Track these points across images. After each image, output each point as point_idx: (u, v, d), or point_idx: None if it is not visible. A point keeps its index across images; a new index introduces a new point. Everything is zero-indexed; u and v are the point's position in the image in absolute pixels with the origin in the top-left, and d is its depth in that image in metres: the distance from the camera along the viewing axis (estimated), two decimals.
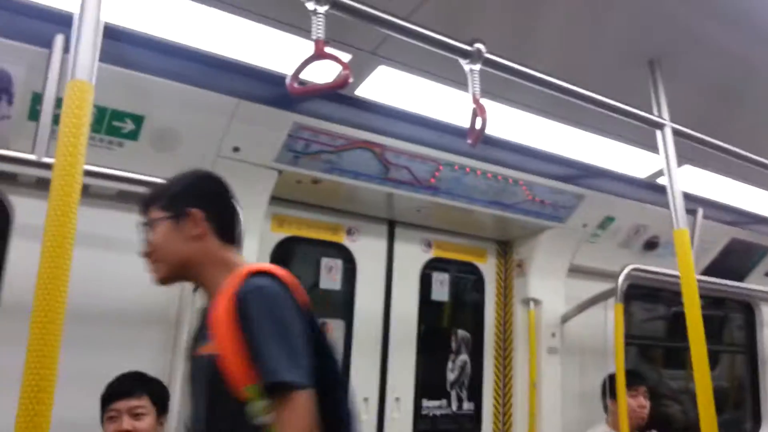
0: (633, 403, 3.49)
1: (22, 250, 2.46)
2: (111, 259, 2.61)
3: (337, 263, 3.53)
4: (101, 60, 1.22)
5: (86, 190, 2.55)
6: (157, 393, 2.29)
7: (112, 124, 2.41)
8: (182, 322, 2.73)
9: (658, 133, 2.43)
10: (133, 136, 2.47)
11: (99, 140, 2.44)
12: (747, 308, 5.28)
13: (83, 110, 1.15)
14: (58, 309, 1.03)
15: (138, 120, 2.44)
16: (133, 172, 2.38)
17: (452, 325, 3.96)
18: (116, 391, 2.17)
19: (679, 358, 4.88)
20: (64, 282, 1.05)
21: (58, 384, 1.05)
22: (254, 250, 2.86)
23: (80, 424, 2.14)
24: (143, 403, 2.21)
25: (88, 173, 1.90)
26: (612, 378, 3.37)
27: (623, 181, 3.69)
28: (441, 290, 3.91)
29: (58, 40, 2.09)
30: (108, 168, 2.36)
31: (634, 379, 3.52)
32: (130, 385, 2.22)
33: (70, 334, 1.14)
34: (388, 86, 2.61)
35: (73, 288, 1.12)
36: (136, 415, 2.18)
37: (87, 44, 1.20)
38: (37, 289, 1.04)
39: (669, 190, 2.40)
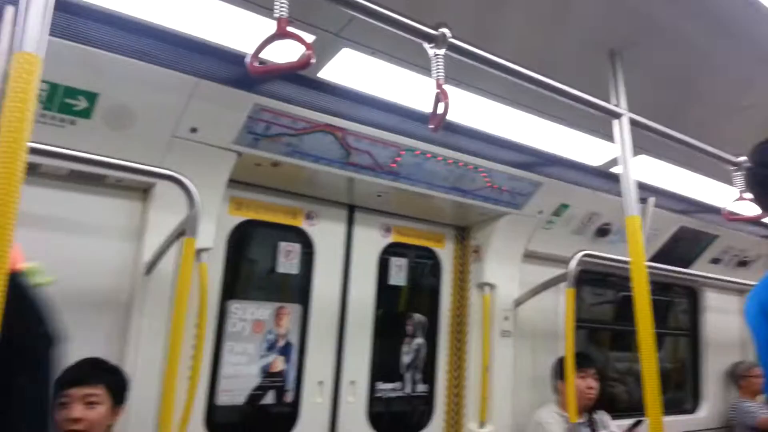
0: (582, 385, 3.61)
1: None
2: (59, 241, 2.53)
3: (296, 247, 3.51)
4: (54, 34, 1.17)
5: (35, 170, 2.47)
6: (114, 382, 2.23)
7: (64, 102, 2.30)
8: (133, 307, 2.66)
9: (615, 122, 2.46)
10: (86, 114, 2.37)
11: (51, 118, 2.33)
12: (691, 293, 5.50)
13: (30, 84, 1.10)
14: None
15: (92, 97, 2.34)
16: (84, 152, 2.29)
17: (409, 310, 3.98)
18: (70, 378, 2.06)
19: (625, 340, 5.02)
20: (3, 264, 1.00)
21: None
22: (211, 233, 2.81)
23: None
24: (98, 391, 2.14)
25: (35, 151, 1.83)
26: (562, 360, 3.45)
27: (578, 169, 3.76)
28: (399, 275, 3.92)
29: (8, 12, 1.98)
30: (59, 147, 2.22)
31: (583, 361, 3.63)
32: (85, 372, 2.15)
33: None
34: (351, 69, 2.57)
35: None
36: (88, 404, 2.11)
37: (36, 14, 1.15)
38: None
39: (623, 179, 2.43)
